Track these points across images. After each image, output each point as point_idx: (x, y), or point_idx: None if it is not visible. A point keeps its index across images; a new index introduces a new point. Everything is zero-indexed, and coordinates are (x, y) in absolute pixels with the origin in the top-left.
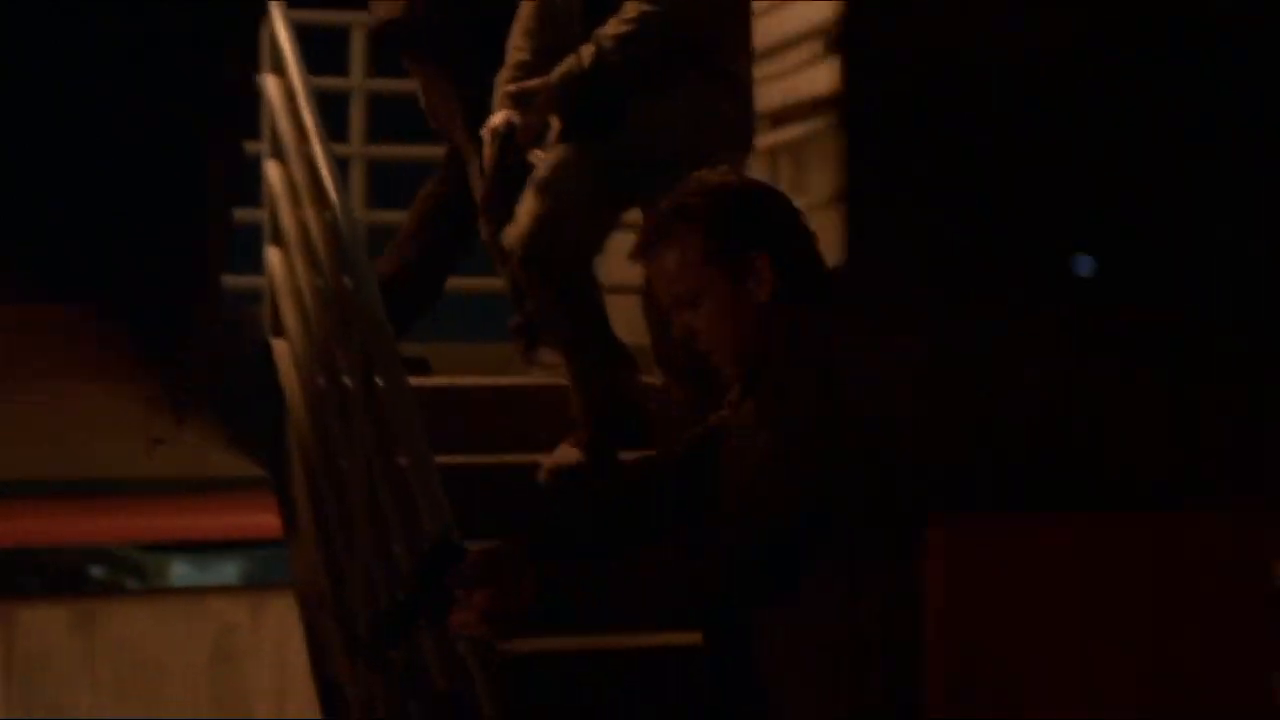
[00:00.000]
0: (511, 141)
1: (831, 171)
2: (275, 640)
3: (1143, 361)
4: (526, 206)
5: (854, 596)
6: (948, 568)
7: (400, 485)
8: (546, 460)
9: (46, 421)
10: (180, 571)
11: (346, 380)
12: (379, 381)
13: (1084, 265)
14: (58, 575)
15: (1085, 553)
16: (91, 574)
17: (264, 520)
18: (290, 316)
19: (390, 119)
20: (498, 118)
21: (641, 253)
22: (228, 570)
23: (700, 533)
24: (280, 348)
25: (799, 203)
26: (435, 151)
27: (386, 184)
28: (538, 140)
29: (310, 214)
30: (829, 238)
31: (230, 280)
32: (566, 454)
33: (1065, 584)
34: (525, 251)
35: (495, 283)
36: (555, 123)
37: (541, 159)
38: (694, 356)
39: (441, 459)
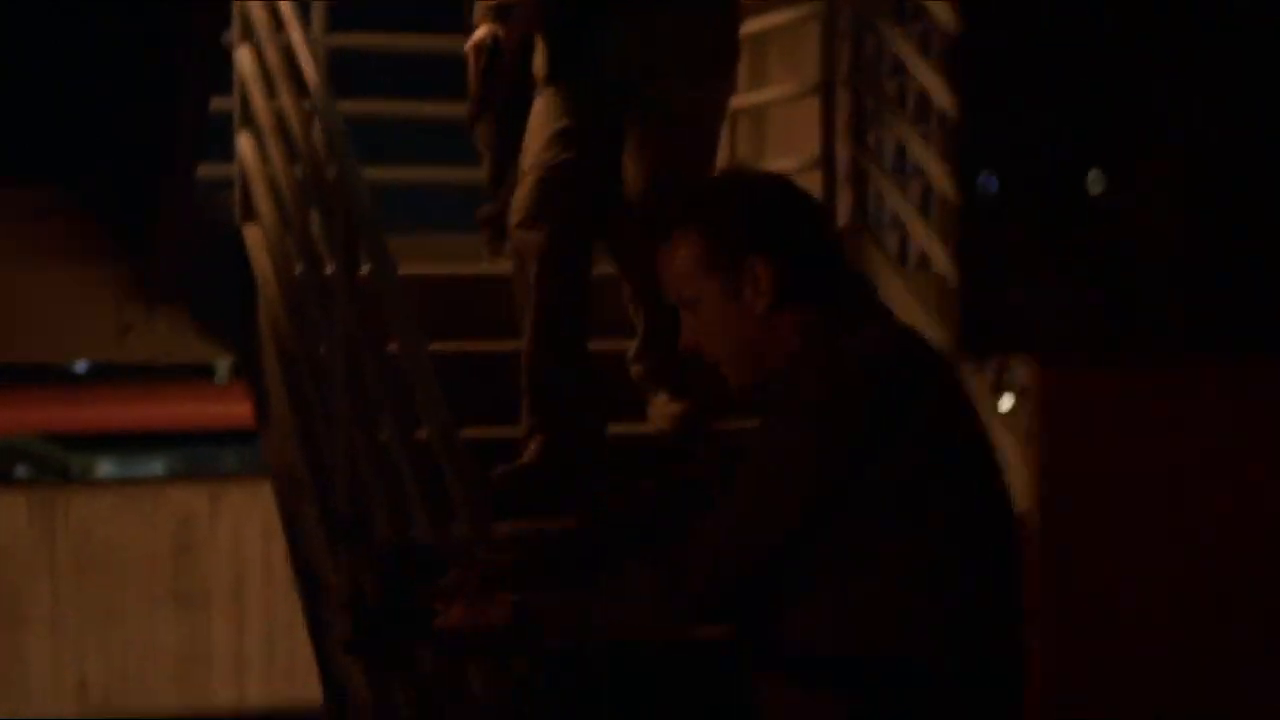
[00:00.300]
0: (498, 55)
1: (807, 62)
2: (232, 529)
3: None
4: (522, 189)
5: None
6: (1051, 413)
7: (388, 371)
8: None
9: (16, 305)
10: (105, 470)
11: (328, 268)
12: (365, 269)
13: (990, 184)
14: None
15: (1201, 398)
16: (15, 474)
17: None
18: (263, 202)
19: (352, 10)
20: (481, 32)
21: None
22: (154, 467)
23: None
24: (252, 234)
25: (762, 96)
26: (399, 42)
27: (346, 74)
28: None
29: (286, 102)
30: (803, 131)
31: (198, 168)
32: (524, 457)
33: (1176, 430)
34: (525, 215)
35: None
36: (540, 56)
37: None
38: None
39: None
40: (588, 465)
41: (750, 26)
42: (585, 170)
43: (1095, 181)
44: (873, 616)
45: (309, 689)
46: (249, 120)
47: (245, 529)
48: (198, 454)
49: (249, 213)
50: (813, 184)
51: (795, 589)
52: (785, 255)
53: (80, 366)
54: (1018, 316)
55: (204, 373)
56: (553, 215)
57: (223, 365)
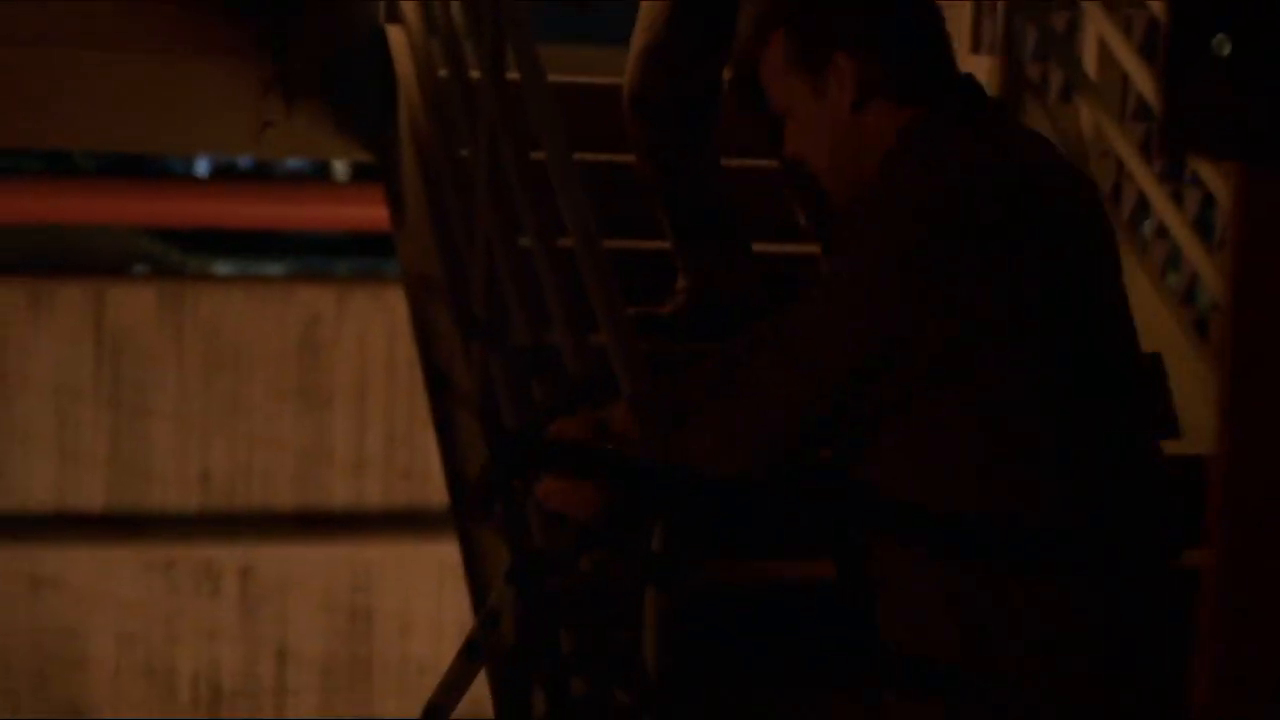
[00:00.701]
0: None
1: None
2: (358, 330)
3: None
4: (630, 55)
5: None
6: (1253, 226)
7: (531, 177)
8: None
9: (156, 96)
10: (224, 272)
11: (473, 73)
12: (512, 76)
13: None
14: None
15: None
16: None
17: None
18: (408, 3)
19: None
20: None
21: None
22: (271, 271)
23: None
24: (395, 34)
25: None
26: None
27: None
28: None
29: None
30: None
31: None
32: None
33: None
34: (629, 91)
35: None
36: None
37: None
38: (806, 182)
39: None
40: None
41: None
42: (693, 46)
43: (1222, 44)
44: (942, 469)
45: (426, 490)
46: None
47: (371, 331)
48: (314, 260)
49: (393, 13)
50: (958, 14)
51: (876, 434)
52: (873, 48)
53: (201, 168)
54: (1224, 116)
55: (320, 175)
56: (656, 102)
57: (340, 167)
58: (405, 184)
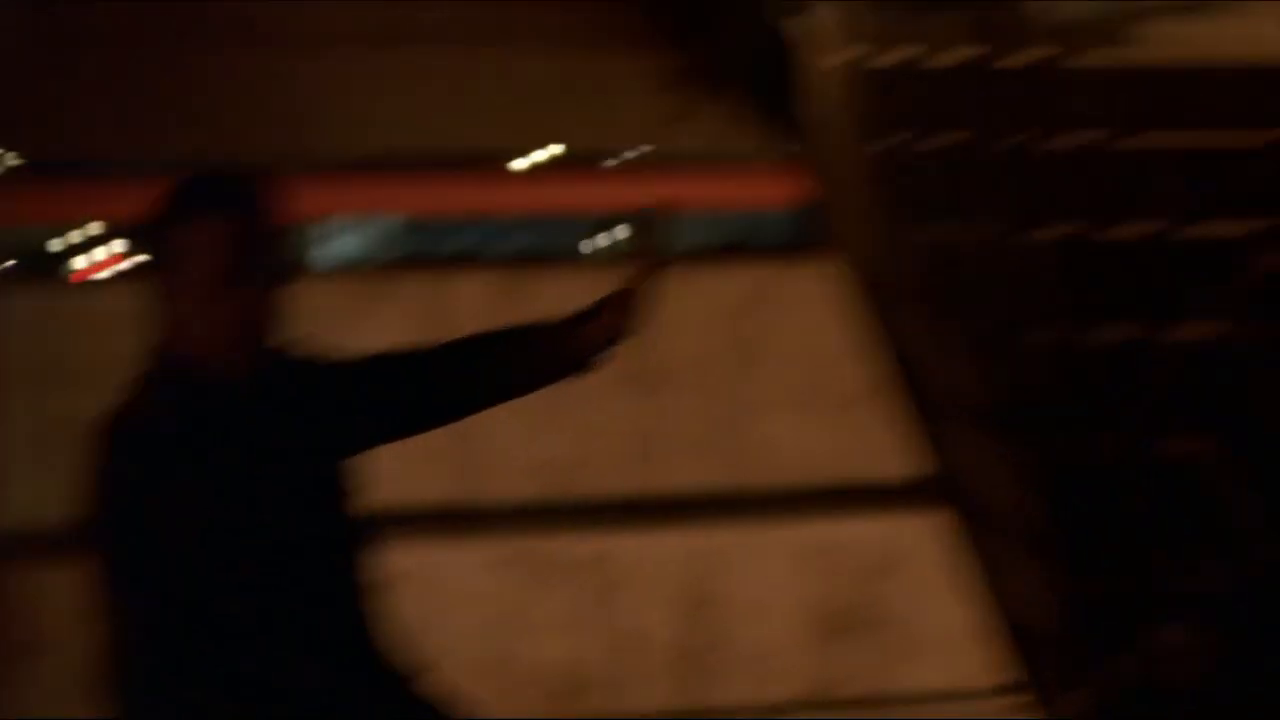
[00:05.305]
0: None
1: None
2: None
3: None
4: None
5: None
6: None
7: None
8: None
9: (566, 90)
10: None
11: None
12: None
13: None
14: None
15: None
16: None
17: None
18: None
19: None
20: None
21: None
22: None
23: None
24: (805, 25)
25: None
26: None
27: None
28: None
29: None
30: None
31: None
32: None
33: None
34: None
35: None
36: None
37: None
38: None
39: None
40: None
41: None
42: None
43: None
44: None
45: None
46: None
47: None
48: None
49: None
50: None
51: None
52: None
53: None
54: None
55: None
56: None
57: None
58: (833, 172)
